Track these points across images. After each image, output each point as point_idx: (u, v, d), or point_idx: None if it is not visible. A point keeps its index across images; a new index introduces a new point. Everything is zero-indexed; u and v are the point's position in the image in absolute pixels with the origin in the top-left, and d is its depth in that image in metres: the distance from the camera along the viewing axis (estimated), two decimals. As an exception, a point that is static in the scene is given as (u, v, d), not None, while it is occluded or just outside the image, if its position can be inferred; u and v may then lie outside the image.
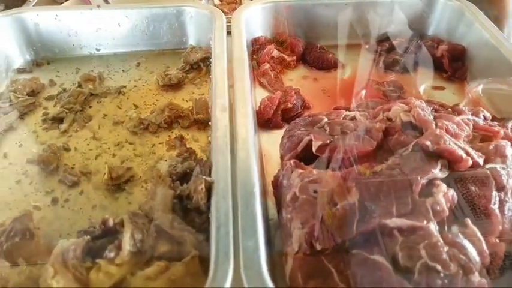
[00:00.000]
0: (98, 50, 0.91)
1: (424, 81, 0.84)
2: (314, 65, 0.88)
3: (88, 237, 0.50)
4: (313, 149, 0.57)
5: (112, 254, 0.45)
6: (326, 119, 0.62)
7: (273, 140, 0.69)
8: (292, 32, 0.91)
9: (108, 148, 0.70)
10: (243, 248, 0.44)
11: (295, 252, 0.49)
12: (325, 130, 0.60)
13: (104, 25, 0.88)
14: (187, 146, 0.69)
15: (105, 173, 0.62)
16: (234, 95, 0.65)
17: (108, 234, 0.50)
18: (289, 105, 0.74)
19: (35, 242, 0.54)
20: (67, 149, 0.70)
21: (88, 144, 0.71)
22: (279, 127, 0.73)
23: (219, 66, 0.70)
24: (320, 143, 0.57)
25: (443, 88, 0.83)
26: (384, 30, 0.92)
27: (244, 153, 0.54)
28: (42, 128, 0.74)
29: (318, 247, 0.48)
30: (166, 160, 0.68)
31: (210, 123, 0.69)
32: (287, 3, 0.89)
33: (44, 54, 0.90)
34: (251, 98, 0.66)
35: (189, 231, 0.51)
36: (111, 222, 0.49)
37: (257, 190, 0.50)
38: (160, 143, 0.71)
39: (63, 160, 0.68)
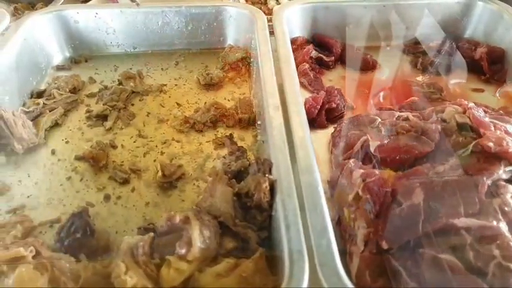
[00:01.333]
0: (134, 48, 0.92)
1: (462, 84, 0.84)
2: (352, 66, 0.88)
3: (152, 234, 0.50)
4: (371, 149, 0.57)
5: (183, 251, 0.46)
6: (379, 120, 0.62)
7: (318, 139, 0.69)
8: (329, 33, 0.91)
9: (156, 146, 0.70)
10: (316, 246, 0.44)
11: (361, 251, 0.49)
12: (380, 130, 0.60)
13: (142, 23, 0.89)
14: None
15: (158, 171, 0.62)
16: (284, 94, 0.65)
17: (173, 231, 0.50)
18: (334, 105, 0.74)
19: (95, 238, 0.54)
20: (114, 146, 0.70)
21: (135, 142, 0.71)
22: (323, 127, 0.73)
23: (266, 65, 0.70)
24: (378, 143, 0.57)
25: (482, 90, 0.83)
26: (420, 32, 0.92)
27: (304, 152, 0.54)
28: (86, 125, 0.74)
29: (385, 246, 0.48)
30: (214, 159, 0.68)
31: (258, 122, 0.69)
32: (325, 4, 0.89)
33: (82, 52, 0.91)
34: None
35: (251, 229, 0.51)
36: (177, 219, 0.49)
37: (321, 189, 0.50)
38: (207, 142, 0.71)
39: (111, 157, 0.68)
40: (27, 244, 0.49)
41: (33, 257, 0.47)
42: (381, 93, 0.81)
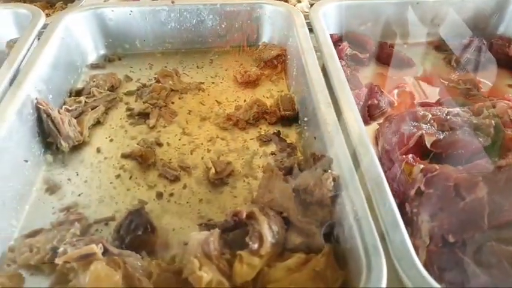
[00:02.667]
0: (168, 46, 0.91)
1: (498, 79, 0.85)
2: (387, 63, 0.88)
3: (218, 229, 0.50)
4: (427, 145, 0.57)
5: (256, 245, 0.46)
6: (430, 115, 0.62)
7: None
8: (361, 30, 0.91)
9: (201, 143, 0.70)
10: (390, 240, 0.44)
11: (427, 245, 0.49)
12: (433, 126, 0.61)
13: (176, 21, 0.89)
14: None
15: (210, 167, 0.62)
16: (332, 90, 0.65)
17: (239, 227, 0.50)
18: (375, 102, 0.74)
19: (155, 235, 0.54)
20: (160, 144, 0.70)
21: (180, 140, 0.71)
22: (365, 123, 0.73)
23: (311, 62, 0.70)
24: (434, 138, 0.58)
25: (518, 86, 0.84)
26: (452, 29, 0.92)
27: (364, 147, 0.54)
28: (128, 123, 0.74)
29: (451, 239, 0.48)
30: (261, 156, 0.68)
31: (305, 119, 0.69)
32: (359, 1, 0.89)
33: (115, 50, 0.90)
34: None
35: (315, 224, 0.51)
36: (244, 215, 0.49)
37: (387, 183, 0.50)
38: (251, 139, 0.71)
39: (159, 155, 0.68)
40: (94, 241, 0.48)
41: (103, 254, 0.47)
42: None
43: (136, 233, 0.53)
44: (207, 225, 0.54)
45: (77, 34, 0.84)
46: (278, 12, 0.86)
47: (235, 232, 0.50)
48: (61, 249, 0.48)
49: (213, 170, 0.62)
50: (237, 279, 0.45)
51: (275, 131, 0.71)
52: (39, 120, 0.66)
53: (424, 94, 0.81)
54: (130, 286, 0.44)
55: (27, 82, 0.65)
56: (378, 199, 0.48)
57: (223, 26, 0.90)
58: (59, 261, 0.46)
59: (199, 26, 0.89)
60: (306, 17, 0.84)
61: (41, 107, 0.66)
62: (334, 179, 0.51)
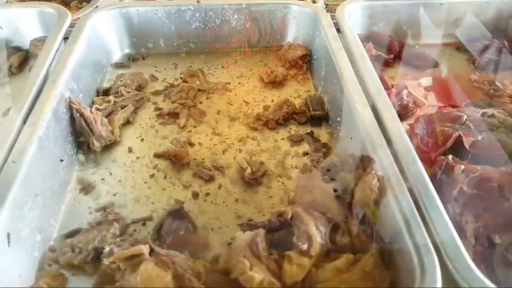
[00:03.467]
0: (192, 45, 0.91)
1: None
2: (411, 64, 0.88)
3: (262, 230, 0.50)
4: (466, 146, 0.58)
5: (305, 246, 0.46)
6: (465, 116, 0.62)
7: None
8: (385, 31, 0.92)
9: (233, 143, 0.70)
10: (441, 240, 0.44)
11: (473, 246, 0.49)
12: (469, 127, 0.61)
13: (200, 21, 0.88)
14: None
15: (246, 167, 0.62)
16: (367, 90, 0.65)
17: (284, 227, 0.50)
18: (404, 102, 0.74)
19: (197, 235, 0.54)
20: (191, 144, 0.70)
21: (211, 140, 0.71)
22: (395, 124, 0.73)
23: (342, 63, 0.70)
24: (473, 139, 0.58)
25: (543, 87, 0.84)
26: (475, 30, 0.93)
27: (404, 147, 0.54)
28: (158, 122, 0.74)
29: (498, 240, 0.48)
30: (293, 156, 0.68)
31: (338, 119, 0.69)
32: (383, 2, 0.89)
33: (139, 49, 0.90)
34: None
35: (359, 225, 0.51)
36: (289, 215, 0.49)
37: (431, 184, 0.50)
38: (282, 139, 0.71)
39: (191, 155, 0.68)
40: (139, 241, 0.48)
41: (149, 254, 0.46)
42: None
43: (178, 233, 0.53)
44: (249, 226, 0.54)
45: (103, 33, 0.84)
46: (303, 13, 0.86)
47: (281, 233, 0.50)
48: (107, 250, 0.48)
49: (249, 170, 0.62)
50: (287, 279, 0.45)
51: (308, 131, 0.71)
52: (71, 120, 0.66)
53: (449, 95, 0.81)
54: (180, 287, 0.44)
55: (60, 81, 0.65)
56: (424, 200, 0.48)
57: (247, 26, 0.89)
58: (107, 261, 0.46)
59: (224, 25, 0.89)
60: (331, 17, 0.84)
61: (74, 106, 0.65)
62: (378, 180, 0.51)
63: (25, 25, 0.86)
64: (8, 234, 0.46)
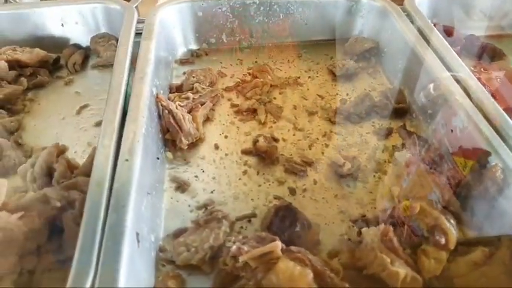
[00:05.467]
0: (253, 40, 0.90)
1: None
2: (477, 55, 0.87)
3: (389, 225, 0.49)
4: None
5: (443, 240, 0.45)
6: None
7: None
8: (448, 22, 0.91)
9: (317, 138, 0.69)
10: None
11: None
12: None
13: (264, 15, 0.87)
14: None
15: (344, 163, 0.61)
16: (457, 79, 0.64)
17: (406, 222, 0.49)
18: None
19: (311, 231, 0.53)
20: (276, 140, 0.68)
21: (294, 135, 0.70)
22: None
23: (427, 55, 0.69)
24: None
25: None
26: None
27: (514, 137, 0.54)
28: (238, 119, 0.72)
29: None
30: (383, 150, 0.67)
31: (429, 111, 0.68)
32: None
33: (201, 45, 0.89)
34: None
35: (483, 218, 0.50)
36: (417, 210, 0.48)
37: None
38: (367, 133, 0.70)
39: (278, 150, 0.66)
40: (264, 239, 0.47)
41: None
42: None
43: (294, 229, 0.52)
44: (365, 221, 0.53)
45: (170, 29, 0.82)
46: (372, 6, 0.85)
47: (406, 227, 0.49)
48: (234, 248, 0.47)
49: (348, 166, 0.61)
50: (425, 274, 0.44)
51: (400, 125, 0.69)
52: (159, 117, 0.65)
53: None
54: (321, 284, 0.43)
55: (147, 78, 0.64)
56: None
57: (312, 19, 0.88)
58: (242, 259, 0.44)
59: (288, 19, 0.88)
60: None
61: (162, 103, 0.64)
62: (502, 172, 0.50)
63: (84, 22, 0.85)
64: (137, 234, 0.45)
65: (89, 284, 0.38)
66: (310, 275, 0.42)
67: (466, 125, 0.58)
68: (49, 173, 0.56)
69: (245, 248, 0.46)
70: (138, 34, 0.75)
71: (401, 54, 0.76)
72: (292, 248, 0.46)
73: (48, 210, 0.49)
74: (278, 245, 0.44)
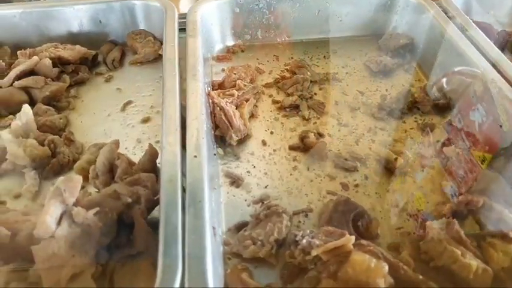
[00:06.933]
0: (288, 37, 0.91)
1: None
2: (510, 51, 0.88)
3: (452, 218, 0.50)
4: None
5: (511, 234, 0.46)
6: None
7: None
8: (485, 18, 0.92)
9: (363, 134, 0.70)
10: None
11: None
12: None
13: (299, 11, 0.88)
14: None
15: (396, 158, 0.62)
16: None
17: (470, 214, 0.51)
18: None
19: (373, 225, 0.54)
20: (321, 135, 0.69)
21: (339, 131, 0.71)
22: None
23: (470, 50, 0.71)
24: None
25: None
26: None
27: None
28: (281, 115, 0.73)
29: None
30: (429, 145, 0.68)
31: (478, 106, 0.69)
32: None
33: (236, 42, 0.89)
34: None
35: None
36: (480, 203, 0.49)
37: None
38: (411, 128, 0.71)
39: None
40: (333, 233, 0.48)
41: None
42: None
43: (356, 223, 0.53)
44: (421, 215, 0.54)
45: (208, 25, 0.83)
46: (406, 1, 0.86)
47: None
48: (304, 242, 0.48)
49: (400, 161, 0.62)
50: (494, 266, 0.46)
51: (447, 120, 0.71)
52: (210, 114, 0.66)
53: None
54: (396, 277, 0.44)
55: (199, 75, 0.64)
56: None
57: (346, 15, 0.89)
58: (315, 252, 0.46)
59: (322, 15, 0.88)
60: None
61: (214, 100, 0.65)
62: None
63: (122, 18, 0.85)
64: (214, 228, 0.46)
65: (179, 273, 0.39)
66: (386, 267, 0.43)
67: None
68: (110, 169, 0.57)
69: (316, 241, 0.47)
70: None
71: (440, 49, 0.77)
72: (363, 241, 0.47)
73: (118, 206, 0.50)
74: (352, 239, 0.45)
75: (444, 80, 0.81)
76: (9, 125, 0.67)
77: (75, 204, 0.48)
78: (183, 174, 0.50)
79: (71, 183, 0.47)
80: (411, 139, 0.69)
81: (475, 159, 0.58)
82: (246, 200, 0.59)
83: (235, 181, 0.62)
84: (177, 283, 0.39)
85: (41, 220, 0.45)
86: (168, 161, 0.50)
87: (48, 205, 0.46)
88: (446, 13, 0.81)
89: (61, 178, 0.47)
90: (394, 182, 0.62)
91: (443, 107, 0.74)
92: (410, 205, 0.59)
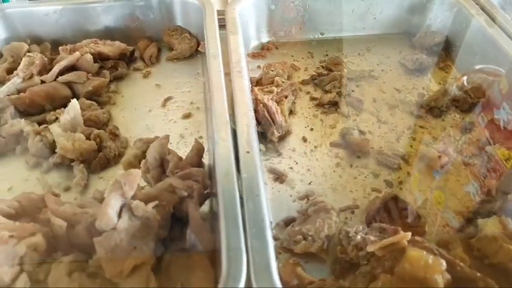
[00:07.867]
0: (322, 34, 0.91)
1: None
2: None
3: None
4: None
5: None
6: None
7: None
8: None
9: (403, 132, 0.70)
10: None
11: None
12: None
13: (332, 8, 0.88)
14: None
15: (439, 156, 0.63)
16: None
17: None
18: None
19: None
20: (362, 132, 0.70)
21: (379, 128, 0.71)
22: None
23: (507, 47, 0.70)
24: None
25: None
26: None
27: None
28: (320, 112, 0.74)
29: None
30: (468, 143, 0.68)
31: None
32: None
33: (269, 39, 0.90)
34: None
35: None
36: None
37: None
38: (450, 126, 0.71)
39: (368, 143, 0.68)
40: (386, 229, 0.49)
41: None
42: None
43: (403, 220, 0.54)
44: (469, 213, 0.54)
45: (244, 22, 0.83)
46: (444, 1, 0.86)
47: None
48: (358, 238, 0.49)
49: (445, 159, 0.62)
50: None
51: (490, 119, 0.71)
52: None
53: None
54: (452, 274, 0.44)
55: (243, 72, 0.65)
56: None
57: (380, 13, 0.89)
58: (371, 249, 0.46)
59: (356, 12, 0.89)
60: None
61: (258, 96, 0.66)
62: None
63: (159, 15, 0.86)
64: (271, 223, 0.47)
65: (244, 266, 0.40)
66: (444, 263, 0.44)
67: None
68: (161, 164, 0.58)
69: (371, 238, 0.48)
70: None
71: (478, 48, 0.77)
72: (417, 238, 0.48)
73: (174, 199, 0.51)
74: (408, 235, 0.46)
75: (465, 78, 0.81)
76: (55, 119, 0.68)
77: (133, 197, 0.49)
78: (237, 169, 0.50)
79: (131, 177, 0.48)
80: (451, 137, 0.69)
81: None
82: (291, 196, 0.60)
83: (279, 177, 0.62)
84: (243, 275, 0.40)
85: (103, 212, 0.46)
86: (222, 156, 0.51)
87: (108, 198, 0.47)
88: (483, 10, 0.80)
89: (121, 172, 0.48)
90: (437, 180, 0.63)
91: (477, 105, 0.73)
92: (455, 203, 0.59)
